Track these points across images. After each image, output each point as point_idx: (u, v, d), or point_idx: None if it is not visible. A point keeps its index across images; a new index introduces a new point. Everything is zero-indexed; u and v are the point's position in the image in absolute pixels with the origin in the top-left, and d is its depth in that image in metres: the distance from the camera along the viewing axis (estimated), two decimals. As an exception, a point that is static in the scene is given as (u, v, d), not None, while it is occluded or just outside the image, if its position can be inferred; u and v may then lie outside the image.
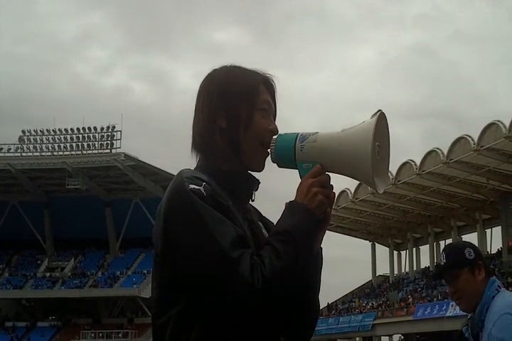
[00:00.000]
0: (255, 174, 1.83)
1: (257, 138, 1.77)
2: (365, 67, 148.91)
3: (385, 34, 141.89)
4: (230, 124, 1.76)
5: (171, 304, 1.67)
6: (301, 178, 1.71)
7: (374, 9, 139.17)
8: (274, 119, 1.84)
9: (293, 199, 1.72)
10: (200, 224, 1.60)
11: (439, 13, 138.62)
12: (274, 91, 1.85)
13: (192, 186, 1.65)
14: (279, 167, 1.77)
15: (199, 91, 1.83)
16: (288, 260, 1.59)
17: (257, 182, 1.82)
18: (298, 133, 1.73)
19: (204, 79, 1.84)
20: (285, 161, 1.73)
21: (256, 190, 1.83)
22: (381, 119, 1.69)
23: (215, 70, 1.84)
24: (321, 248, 1.78)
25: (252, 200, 1.83)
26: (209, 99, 1.79)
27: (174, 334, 1.65)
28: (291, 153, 1.71)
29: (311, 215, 1.66)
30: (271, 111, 1.82)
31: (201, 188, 1.65)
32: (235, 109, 1.76)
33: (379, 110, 1.69)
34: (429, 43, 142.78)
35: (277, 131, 1.78)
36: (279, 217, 1.70)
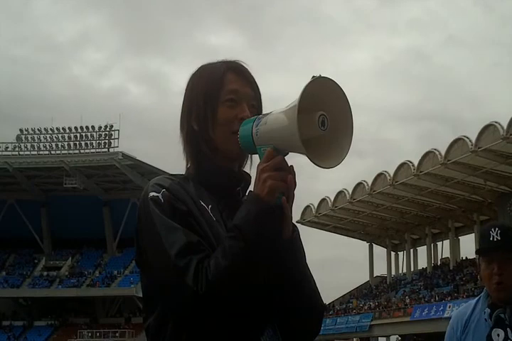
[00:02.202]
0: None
1: (227, 129, 1.75)
2: (360, 71, 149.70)
3: (380, 38, 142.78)
4: (200, 125, 1.78)
5: (151, 311, 1.71)
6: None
7: (367, 14, 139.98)
8: (258, 101, 1.82)
9: None
10: (153, 234, 1.63)
11: (432, 19, 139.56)
12: (246, 74, 1.82)
13: (152, 194, 1.67)
14: (249, 154, 1.74)
15: None
16: (234, 257, 1.54)
17: (242, 178, 1.81)
18: (256, 117, 1.65)
19: None
20: (249, 148, 1.66)
21: (244, 186, 1.81)
22: (320, 86, 1.53)
23: (191, 75, 1.87)
24: (296, 231, 1.73)
25: (242, 196, 1.81)
26: (183, 106, 1.85)
27: (154, 335, 1.70)
28: (249, 139, 1.63)
29: (261, 204, 1.57)
30: (242, 97, 1.79)
31: (159, 195, 1.66)
32: (201, 109, 1.78)
33: (312, 76, 1.52)
34: (423, 48, 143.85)
35: (249, 118, 1.73)
36: None
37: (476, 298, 3.03)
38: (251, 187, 1.70)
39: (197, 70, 1.86)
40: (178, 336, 1.63)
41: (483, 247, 2.89)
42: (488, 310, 2.88)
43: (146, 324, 1.73)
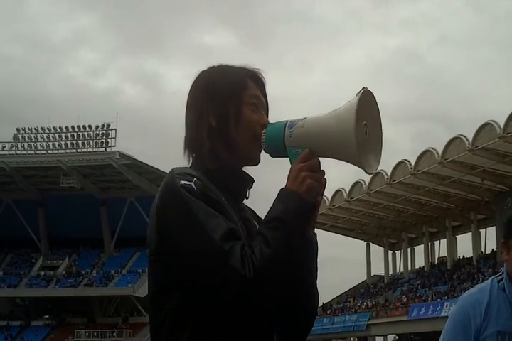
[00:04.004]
0: (251, 172, 1.83)
1: (249, 132, 1.76)
2: (354, 70, 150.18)
3: (373, 38, 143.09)
4: (219, 122, 1.76)
5: (166, 302, 1.66)
6: (291, 165, 1.70)
7: (361, 13, 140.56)
8: (267, 112, 1.84)
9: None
10: (192, 219, 1.60)
11: (425, 18, 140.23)
12: (262, 85, 1.85)
13: (183, 182, 1.64)
14: (272, 157, 1.75)
15: (188, 95, 1.84)
16: (278, 247, 1.57)
17: (251, 179, 1.82)
18: (287, 121, 1.72)
19: (192, 82, 1.85)
20: (276, 149, 1.72)
21: (250, 188, 1.82)
22: (366, 97, 1.65)
23: (201, 72, 1.85)
24: (315, 234, 1.77)
25: (246, 198, 1.82)
26: (197, 100, 1.80)
27: (169, 332, 1.65)
28: (280, 140, 1.70)
29: (301, 200, 1.63)
30: (261, 104, 1.81)
31: (192, 184, 1.64)
32: (223, 106, 1.76)
33: (363, 87, 1.65)
34: (416, 47, 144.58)
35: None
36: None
37: (489, 282, 2.85)
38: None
39: (213, 69, 1.84)
40: (201, 329, 1.61)
41: None
42: None
43: (156, 317, 1.68)
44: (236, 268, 1.53)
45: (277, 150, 1.72)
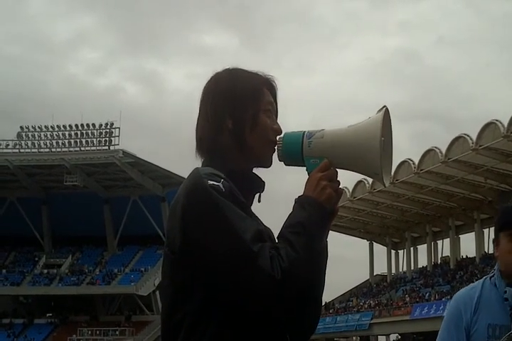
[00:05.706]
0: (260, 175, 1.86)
1: (264, 137, 1.81)
2: (353, 71, 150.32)
3: (372, 39, 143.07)
4: (236, 125, 1.79)
5: (185, 302, 1.66)
6: (308, 174, 1.75)
7: (359, 15, 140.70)
8: (276, 118, 1.89)
9: (295, 196, 1.74)
10: (222, 220, 1.62)
11: (423, 20, 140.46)
12: (275, 92, 1.89)
13: (211, 182, 1.66)
14: (286, 165, 1.80)
15: (203, 94, 1.86)
16: (303, 251, 1.62)
17: (263, 183, 1.85)
18: (305, 131, 1.77)
19: (208, 82, 1.87)
20: (292, 158, 1.77)
21: (262, 191, 1.84)
22: (386, 115, 1.73)
23: (218, 73, 1.87)
24: (327, 241, 1.79)
25: (259, 201, 1.85)
26: (214, 101, 1.82)
27: (189, 332, 1.65)
28: (298, 149, 1.75)
29: (322, 208, 1.69)
30: (274, 111, 1.86)
31: (220, 184, 1.66)
32: (241, 110, 1.80)
33: (384, 106, 1.73)
34: (415, 48, 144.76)
35: (281, 131, 1.83)
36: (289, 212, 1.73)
37: (482, 280, 2.93)
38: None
39: (232, 71, 1.86)
40: (226, 328, 1.62)
41: (510, 220, 2.82)
42: (510, 289, 2.75)
43: (174, 317, 1.67)
44: (265, 269, 1.56)
45: (294, 159, 1.77)
